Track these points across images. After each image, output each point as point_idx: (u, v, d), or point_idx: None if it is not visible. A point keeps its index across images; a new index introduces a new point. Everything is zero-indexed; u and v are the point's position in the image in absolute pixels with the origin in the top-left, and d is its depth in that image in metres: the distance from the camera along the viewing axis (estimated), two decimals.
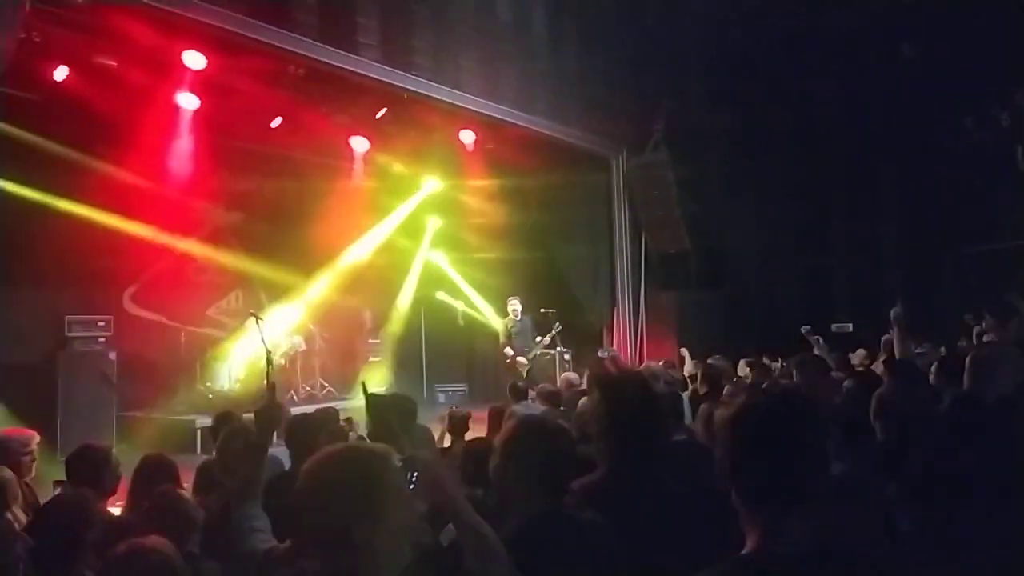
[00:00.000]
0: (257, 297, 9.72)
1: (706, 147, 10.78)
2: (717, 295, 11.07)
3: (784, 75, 10.93)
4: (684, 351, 8.62)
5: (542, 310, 9.78)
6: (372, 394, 2.19)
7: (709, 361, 6.44)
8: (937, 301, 11.58)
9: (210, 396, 8.61)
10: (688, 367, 7.30)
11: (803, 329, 6.36)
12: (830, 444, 1.60)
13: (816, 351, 6.31)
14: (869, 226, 12.32)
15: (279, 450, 4.49)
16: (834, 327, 10.59)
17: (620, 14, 10.00)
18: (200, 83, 7.34)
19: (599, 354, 9.44)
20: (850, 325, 10.91)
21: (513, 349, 9.50)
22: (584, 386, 5.96)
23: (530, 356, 9.47)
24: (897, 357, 4.80)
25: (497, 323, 10.78)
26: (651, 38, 10.31)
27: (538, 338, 9.60)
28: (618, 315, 10.84)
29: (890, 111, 11.72)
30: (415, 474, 1.78)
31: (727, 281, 11.08)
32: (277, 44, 6.67)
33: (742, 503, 1.44)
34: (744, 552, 1.42)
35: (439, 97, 8.18)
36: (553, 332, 9.56)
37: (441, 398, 11.02)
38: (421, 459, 1.82)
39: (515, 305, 9.62)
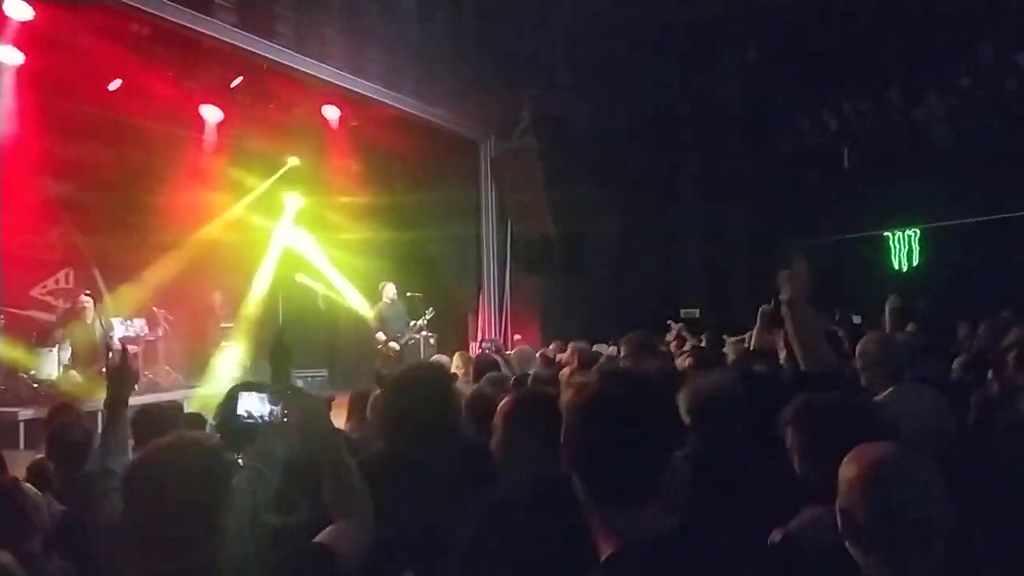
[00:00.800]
0: (90, 276, 8.87)
1: (571, 134, 11.02)
2: (578, 281, 11.40)
3: (643, 67, 11.39)
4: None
5: (408, 293, 9.64)
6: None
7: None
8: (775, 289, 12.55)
9: (35, 385, 7.76)
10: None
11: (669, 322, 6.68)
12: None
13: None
14: (718, 217, 13.14)
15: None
16: (682, 312, 11.27)
17: None
18: (26, 36, 6.52)
19: (482, 346, 9.39)
20: (696, 311, 11.65)
21: (386, 334, 9.30)
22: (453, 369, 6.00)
23: (402, 341, 9.32)
24: (752, 347, 5.11)
25: (361, 306, 10.51)
26: (520, 23, 10.39)
27: (411, 323, 9.46)
28: (484, 299, 10.90)
29: (738, 106, 12.57)
30: (286, 408, 1.87)
31: (588, 267, 11.43)
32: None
33: (593, 499, 1.33)
34: (606, 557, 1.31)
35: (302, 68, 7.80)
36: (426, 317, 9.46)
37: (300, 383, 10.57)
38: (295, 390, 1.90)
39: (390, 290, 9.44)
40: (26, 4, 6.16)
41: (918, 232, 11.81)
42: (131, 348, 8.23)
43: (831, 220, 11.97)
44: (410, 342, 9.54)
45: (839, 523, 1.54)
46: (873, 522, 1.48)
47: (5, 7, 6.11)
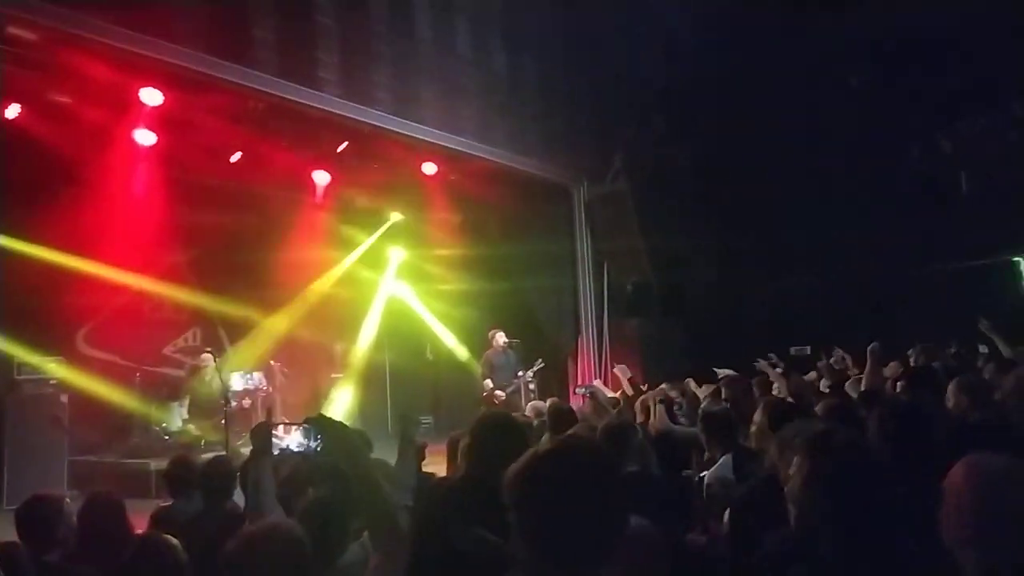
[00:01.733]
0: (215, 334, 9.54)
1: (665, 177, 10.98)
2: (678, 322, 11.20)
3: (739, 106, 11.26)
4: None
5: (506, 340, 9.75)
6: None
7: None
8: (890, 321, 11.93)
9: (166, 437, 8.37)
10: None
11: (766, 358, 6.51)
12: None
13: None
14: (826, 249, 12.63)
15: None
16: (793, 350, 10.83)
17: (579, 46, 10.20)
18: (157, 119, 7.25)
19: (578, 391, 9.34)
20: (808, 348, 11.16)
21: (493, 382, 9.34)
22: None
23: (509, 390, 9.31)
24: (864, 388, 4.93)
25: (462, 354, 10.74)
26: (609, 69, 10.54)
27: (519, 372, 9.48)
28: (582, 344, 10.89)
29: (841, 139, 12.15)
30: (319, 435, 1.98)
31: (688, 308, 11.22)
32: (236, 80, 6.64)
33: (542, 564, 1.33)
34: None
35: (400, 131, 8.21)
36: (535, 367, 9.44)
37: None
38: (328, 421, 1.98)
39: (500, 337, 9.47)
40: (158, 91, 6.84)
41: None
42: (247, 401, 8.87)
43: (950, 247, 11.28)
44: (513, 389, 9.61)
45: (946, 523, 1.64)
46: (980, 521, 1.60)
47: (141, 95, 6.81)
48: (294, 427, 2.26)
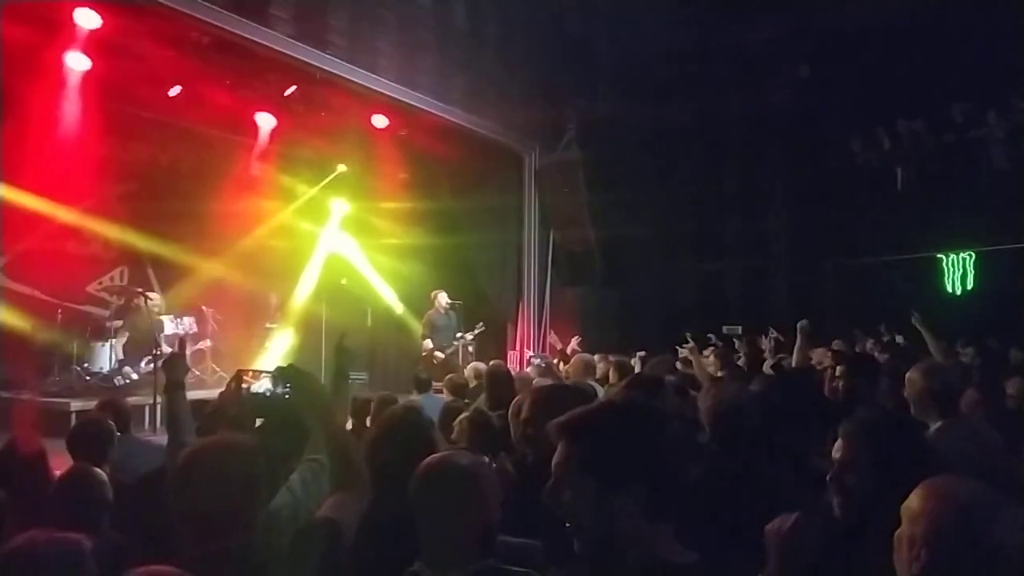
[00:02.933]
0: (144, 275, 9.17)
1: (615, 149, 11.01)
2: (617, 293, 11.37)
3: (692, 85, 11.34)
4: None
5: (448, 302, 9.72)
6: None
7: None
8: (818, 307, 12.41)
9: (87, 379, 8.06)
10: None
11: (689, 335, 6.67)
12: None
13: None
14: (761, 233, 12.99)
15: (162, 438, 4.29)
16: (725, 329, 11.15)
17: (539, 11, 10.04)
18: (93, 44, 6.79)
19: (531, 361, 9.37)
20: (739, 328, 11.52)
21: (433, 342, 9.33)
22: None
23: (448, 351, 9.32)
24: (794, 364, 5.08)
25: (401, 310, 10.65)
26: (569, 38, 10.44)
27: (459, 334, 9.49)
28: (523, 309, 10.94)
29: (787, 125, 12.43)
30: (287, 384, 2.10)
31: (627, 280, 11.40)
32: (182, 8, 6.28)
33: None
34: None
35: (354, 79, 7.94)
36: (477, 331, 9.49)
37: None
38: (295, 370, 2.08)
39: (443, 298, 9.45)
40: (95, 13, 6.40)
41: (973, 256, 11.50)
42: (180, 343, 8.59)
43: (882, 240, 11.73)
44: (452, 351, 9.62)
45: (906, 554, 1.49)
46: (934, 557, 1.44)
47: (76, 16, 6.36)
48: (263, 374, 2.31)
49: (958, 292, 11.62)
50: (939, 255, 11.79)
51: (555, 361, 8.24)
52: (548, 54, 10.20)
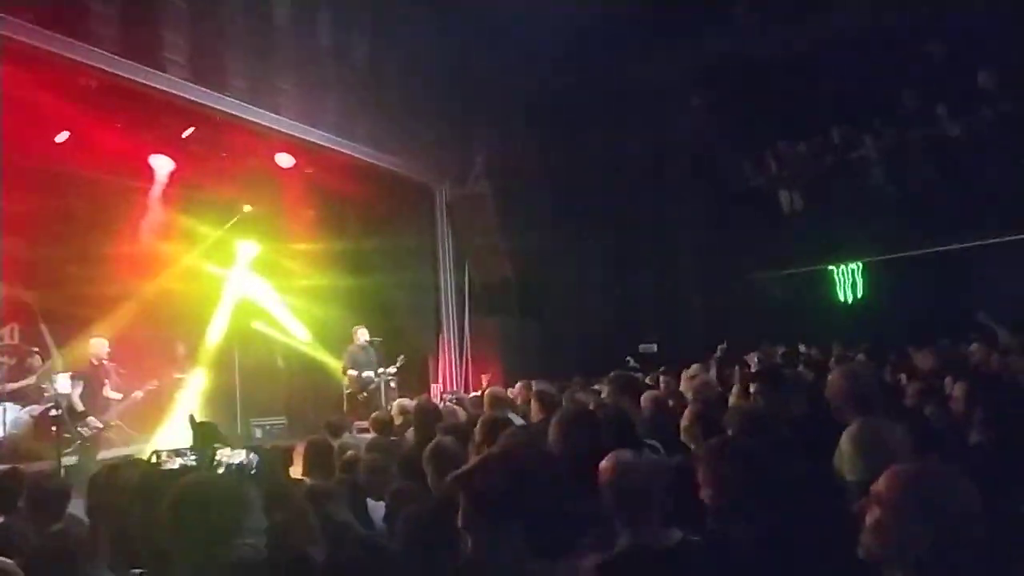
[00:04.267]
0: (36, 332, 8.62)
1: (525, 180, 11.23)
2: (537, 322, 11.50)
3: (594, 114, 11.72)
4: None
5: (369, 339, 9.60)
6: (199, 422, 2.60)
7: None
8: (728, 321, 12.92)
9: None
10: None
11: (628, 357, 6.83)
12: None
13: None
14: (671, 254, 13.46)
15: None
16: (641, 347, 11.44)
17: (441, 45, 10.18)
18: None
19: (444, 399, 9.35)
20: (654, 345, 11.85)
21: (355, 378, 9.25)
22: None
23: (370, 387, 9.26)
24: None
25: (319, 351, 10.44)
26: (472, 71, 10.60)
27: (380, 369, 9.41)
28: (443, 342, 10.91)
29: (687, 151, 13.01)
30: (257, 459, 2.28)
31: (546, 308, 11.55)
32: (68, 54, 6.05)
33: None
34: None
35: (255, 120, 7.83)
36: (398, 363, 9.45)
37: (258, 433, 10.36)
38: (263, 449, 2.33)
39: (363, 334, 9.39)
40: None
41: (861, 266, 12.27)
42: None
43: (777, 255, 12.37)
44: (370, 386, 9.49)
45: (870, 539, 1.58)
46: (908, 535, 1.53)
47: None
48: (240, 451, 2.39)
49: (849, 300, 12.35)
50: (830, 267, 12.51)
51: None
52: (451, 89, 10.34)
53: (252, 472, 2.32)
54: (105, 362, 8.64)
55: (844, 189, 11.70)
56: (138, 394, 7.64)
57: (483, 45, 9.85)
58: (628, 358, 9.38)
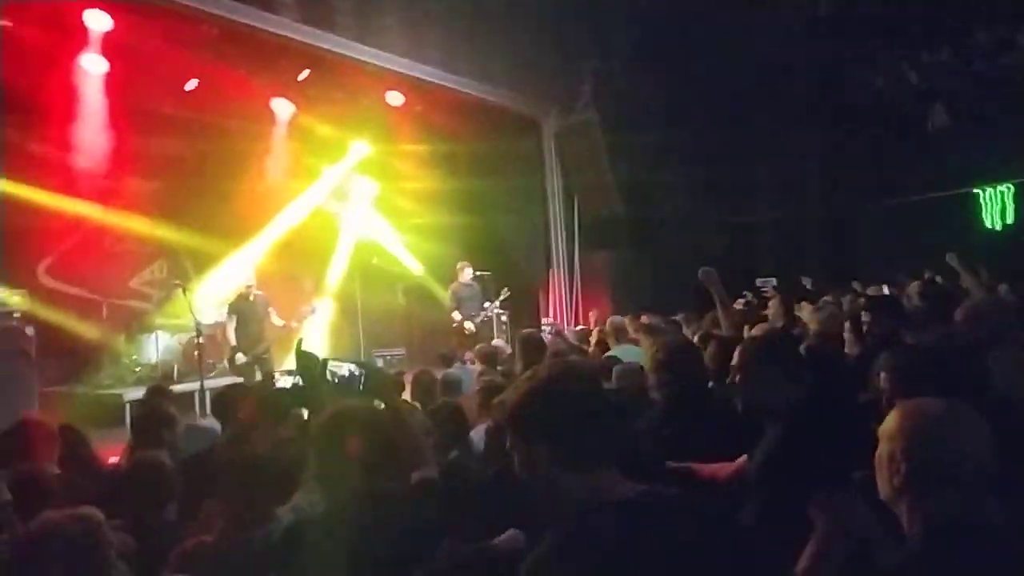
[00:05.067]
0: (182, 267, 9.47)
1: (633, 108, 10.87)
2: (647, 255, 11.29)
3: (707, 38, 11.09)
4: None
5: (477, 272, 9.80)
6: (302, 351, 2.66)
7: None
8: (855, 252, 12.13)
9: (137, 369, 8.42)
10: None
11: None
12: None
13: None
14: (792, 180, 12.72)
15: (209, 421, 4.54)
16: (759, 282, 11.00)
17: None
18: (107, 45, 7.01)
19: (542, 328, 9.44)
20: (774, 279, 11.36)
21: (461, 313, 9.34)
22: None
23: (477, 321, 9.35)
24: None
25: (434, 286, 10.78)
26: None
27: (486, 303, 9.54)
28: (553, 277, 10.98)
29: (807, 70, 12.09)
30: (365, 375, 2.37)
31: (657, 241, 11.30)
32: (188, 3, 6.45)
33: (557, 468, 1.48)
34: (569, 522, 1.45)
35: (362, 58, 8.05)
36: (502, 297, 9.52)
37: (379, 363, 11.00)
38: (370, 363, 2.42)
39: (467, 271, 9.45)
40: (105, 14, 6.60)
41: (1012, 188, 11.07)
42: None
43: (915, 179, 11.38)
44: (482, 320, 9.72)
45: (887, 470, 1.59)
46: (912, 469, 1.55)
47: (85, 18, 6.57)
48: (348, 363, 2.54)
49: (997, 227, 11.22)
50: (976, 190, 11.37)
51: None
52: (557, 15, 10.09)
53: (359, 387, 2.40)
54: (256, 293, 9.30)
55: (993, 100, 10.50)
56: (294, 323, 7.87)
57: None
58: (745, 293, 9.04)
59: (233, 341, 7.67)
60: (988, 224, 11.31)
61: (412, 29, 8.49)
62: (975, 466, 1.52)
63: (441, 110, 9.63)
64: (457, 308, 9.39)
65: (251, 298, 7.81)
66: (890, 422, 1.62)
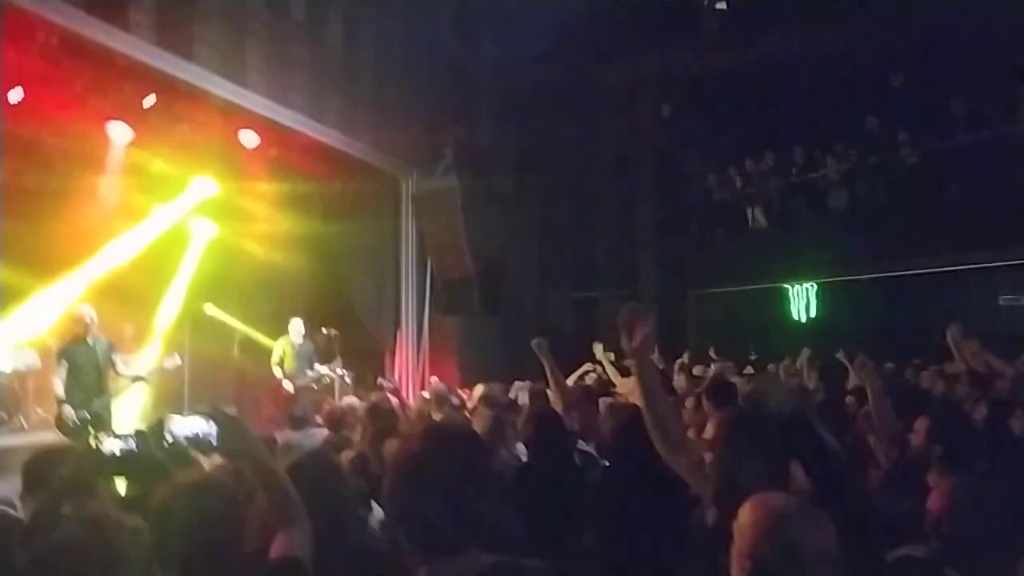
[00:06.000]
0: None
1: (492, 178, 11.15)
2: (496, 322, 11.38)
3: (564, 118, 11.75)
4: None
5: (324, 330, 9.36)
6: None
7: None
8: (683, 334, 13.01)
9: None
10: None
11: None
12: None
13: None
14: (631, 263, 13.54)
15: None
16: (595, 351, 11.42)
17: (416, 33, 10.08)
18: None
19: (381, 384, 9.17)
20: (612, 354, 11.83)
21: (284, 372, 8.90)
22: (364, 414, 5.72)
23: (298, 383, 8.89)
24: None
25: (268, 341, 10.12)
26: (445, 63, 10.52)
27: (316, 366, 9.09)
28: (401, 338, 10.72)
29: (651, 161, 13.16)
30: (217, 427, 1.98)
31: (506, 308, 11.45)
32: (30, 8, 5.77)
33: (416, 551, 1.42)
34: None
35: (221, 93, 7.58)
36: (334, 367, 9.17)
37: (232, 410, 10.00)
38: (221, 413, 1.99)
39: (298, 327, 9.01)
40: None
41: (815, 286, 12.49)
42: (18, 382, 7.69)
43: (735, 271, 12.53)
44: (325, 380, 9.22)
45: (736, 565, 1.63)
46: (773, 561, 1.58)
47: None
48: (192, 415, 2.15)
49: (803, 320, 12.56)
50: (785, 285, 12.71)
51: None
52: (424, 79, 10.23)
53: (212, 444, 2.09)
54: (97, 336, 8.05)
55: (804, 208, 11.94)
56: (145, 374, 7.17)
57: (457, 36, 9.79)
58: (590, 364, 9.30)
59: (61, 394, 6.53)
60: (795, 317, 12.61)
61: (277, 70, 8.18)
62: (820, 563, 1.57)
63: (298, 155, 9.26)
64: (279, 365, 8.90)
65: (89, 341, 6.76)
66: (742, 516, 1.66)
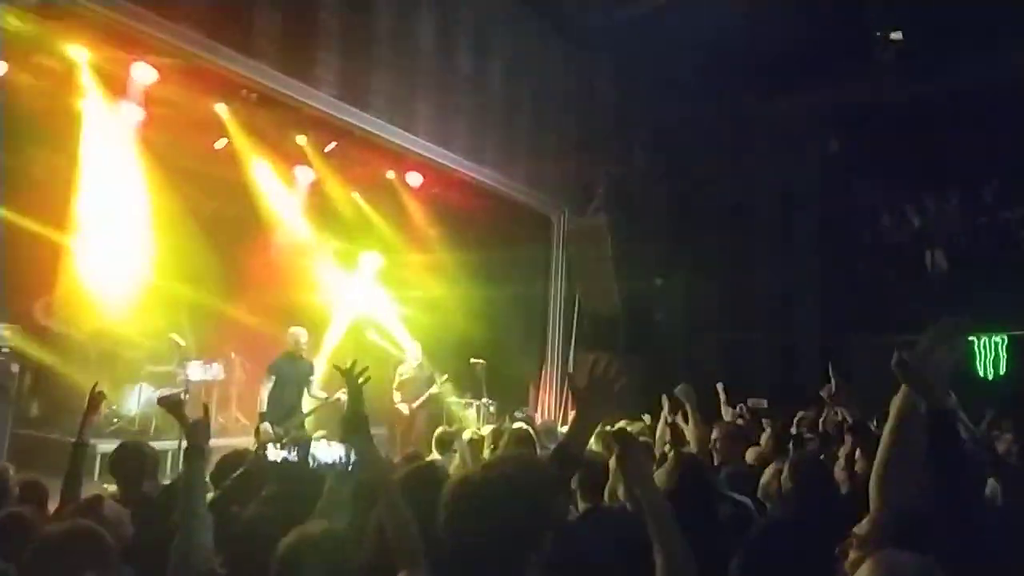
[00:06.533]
0: (177, 318, 9.32)
1: (643, 217, 11.15)
2: (641, 361, 11.28)
3: (722, 156, 11.53)
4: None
5: (472, 360, 9.71)
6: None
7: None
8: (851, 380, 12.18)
9: (115, 421, 8.15)
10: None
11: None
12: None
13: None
14: (789, 305, 12.91)
15: None
16: (750, 402, 10.97)
17: (571, 75, 10.38)
18: (147, 95, 7.14)
19: (516, 415, 9.25)
20: (764, 401, 11.33)
21: (402, 395, 8.94)
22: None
23: (414, 405, 8.91)
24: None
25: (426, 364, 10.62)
26: (600, 103, 10.72)
27: (427, 388, 9.04)
28: (546, 373, 10.92)
29: (816, 199, 12.52)
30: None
31: (652, 348, 11.34)
32: (234, 67, 6.62)
33: None
34: None
35: (393, 139, 8.23)
36: (439, 383, 9.09)
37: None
38: (361, 447, 2.17)
39: (415, 352, 9.10)
40: (151, 68, 6.76)
41: (1005, 339, 11.28)
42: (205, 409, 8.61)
43: (908, 319, 11.57)
44: (467, 408, 9.53)
45: None
46: None
47: (133, 71, 6.73)
48: (335, 443, 2.36)
49: (990, 376, 11.36)
50: (971, 338, 11.56)
51: None
52: (579, 120, 10.47)
53: (347, 471, 2.28)
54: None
55: (992, 252, 10.85)
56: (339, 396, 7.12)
57: (613, 76, 9.93)
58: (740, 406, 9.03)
59: (263, 407, 6.93)
60: (981, 373, 11.44)
61: (442, 116, 8.74)
62: None
63: (458, 194, 9.81)
64: (398, 389, 8.95)
65: (300, 357, 7.09)
66: (864, 572, 1.62)
